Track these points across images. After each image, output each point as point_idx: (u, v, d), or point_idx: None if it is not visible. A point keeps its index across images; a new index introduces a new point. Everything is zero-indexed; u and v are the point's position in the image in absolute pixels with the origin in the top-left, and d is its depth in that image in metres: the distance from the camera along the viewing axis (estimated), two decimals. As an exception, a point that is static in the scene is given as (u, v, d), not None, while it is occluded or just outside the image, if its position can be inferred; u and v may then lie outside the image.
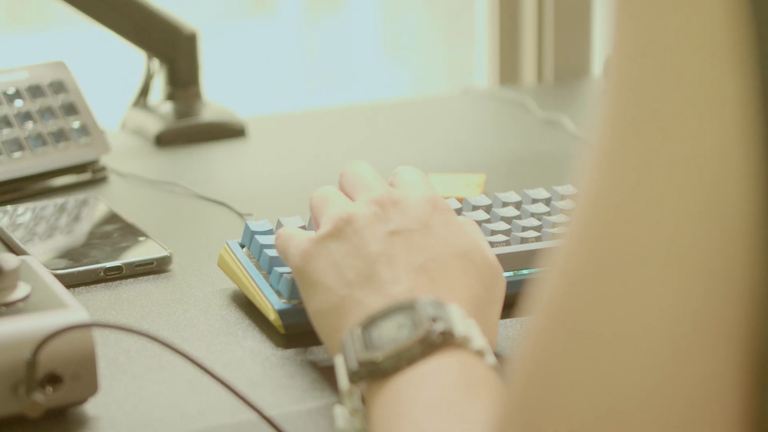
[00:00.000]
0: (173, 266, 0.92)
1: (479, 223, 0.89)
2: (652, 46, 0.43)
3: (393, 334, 0.65)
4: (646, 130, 0.44)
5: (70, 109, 1.13)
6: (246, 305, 0.85)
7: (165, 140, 1.23)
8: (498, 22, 1.54)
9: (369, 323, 0.67)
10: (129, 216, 1.00)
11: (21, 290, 0.73)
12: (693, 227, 0.43)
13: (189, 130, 1.24)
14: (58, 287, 0.74)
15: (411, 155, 1.20)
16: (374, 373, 0.64)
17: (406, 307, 0.66)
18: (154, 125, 1.25)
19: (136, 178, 1.13)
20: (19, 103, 1.11)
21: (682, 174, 0.43)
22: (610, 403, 0.44)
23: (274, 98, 2.55)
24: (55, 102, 1.12)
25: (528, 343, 0.47)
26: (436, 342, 0.64)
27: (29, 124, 1.10)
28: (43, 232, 0.99)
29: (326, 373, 0.76)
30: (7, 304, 0.72)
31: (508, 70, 1.55)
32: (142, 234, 0.96)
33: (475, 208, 0.91)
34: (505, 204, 0.91)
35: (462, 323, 0.65)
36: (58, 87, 1.13)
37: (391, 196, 0.74)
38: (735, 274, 0.43)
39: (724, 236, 0.43)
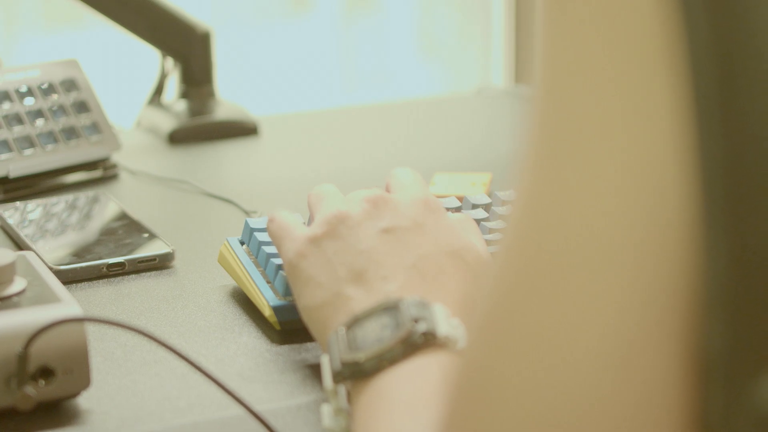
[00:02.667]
0: (176, 263, 0.93)
1: (478, 221, 0.89)
2: (585, 54, 0.43)
3: (376, 334, 0.66)
4: (582, 136, 0.43)
5: (82, 107, 1.14)
6: (244, 301, 0.86)
7: (178, 138, 1.24)
8: (514, 21, 1.54)
9: (354, 323, 0.67)
10: (137, 213, 1.01)
11: (17, 285, 0.74)
12: (631, 230, 0.43)
13: (202, 129, 1.25)
14: (54, 282, 0.75)
15: (421, 154, 1.21)
16: (357, 373, 0.65)
17: (390, 308, 0.67)
18: (167, 123, 1.26)
19: (146, 176, 1.14)
20: (30, 100, 1.12)
21: (618, 178, 0.43)
22: (549, 409, 0.43)
23: (309, 97, 2.56)
24: (66, 100, 1.14)
25: (468, 347, 0.47)
26: (417, 342, 0.64)
27: (40, 122, 1.12)
28: (52, 228, 1.00)
29: (318, 370, 0.76)
30: (2, 299, 0.73)
31: (525, 69, 1.55)
32: (147, 231, 0.97)
33: (474, 206, 0.91)
34: (505, 203, 0.92)
35: (445, 324, 0.65)
36: (70, 85, 1.15)
37: (383, 196, 0.75)
38: (674, 276, 0.43)
39: (662, 239, 0.42)
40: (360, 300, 0.70)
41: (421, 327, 0.65)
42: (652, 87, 0.42)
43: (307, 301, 0.72)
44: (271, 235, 0.78)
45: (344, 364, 0.65)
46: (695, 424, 0.43)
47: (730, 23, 0.41)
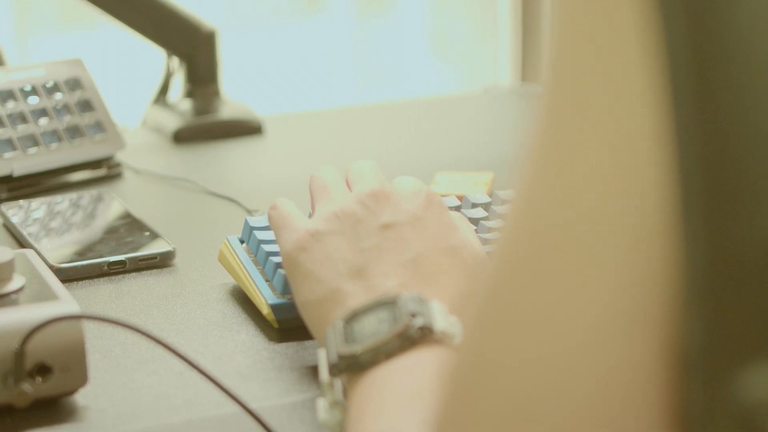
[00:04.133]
0: (177, 261, 0.93)
1: (477, 220, 0.89)
2: (580, 56, 0.44)
3: (373, 328, 0.66)
4: (567, 128, 0.44)
5: (86, 106, 1.15)
6: (243, 300, 0.86)
7: (182, 137, 1.25)
8: (521, 21, 1.54)
9: (352, 317, 0.68)
10: (140, 211, 1.01)
11: (15, 282, 0.75)
12: (612, 226, 0.43)
13: (206, 128, 1.26)
14: (53, 280, 0.76)
15: (424, 154, 1.21)
16: (353, 366, 0.65)
17: (388, 302, 0.67)
18: (172, 122, 1.26)
19: (150, 175, 1.15)
20: (34, 99, 1.13)
21: (600, 169, 0.44)
22: (537, 402, 0.44)
23: (321, 96, 2.57)
24: (71, 99, 1.14)
25: (462, 338, 0.47)
26: (414, 337, 0.65)
27: (44, 121, 1.12)
28: (55, 226, 1.01)
29: (315, 368, 0.76)
30: (1, 296, 0.73)
31: (532, 69, 1.55)
32: (148, 229, 0.97)
33: (474, 205, 0.91)
34: (504, 202, 0.92)
35: (442, 319, 0.66)
36: (74, 84, 1.15)
37: (384, 190, 0.75)
38: (653, 270, 0.43)
39: (642, 234, 0.43)
40: (358, 296, 0.70)
41: (418, 322, 0.65)
42: (632, 85, 0.43)
43: (305, 296, 0.73)
44: (271, 223, 0.78)
45: (341, 357, 0.65)
46: (676, 419, 0.44)
47: (706, 22, 0.41)
